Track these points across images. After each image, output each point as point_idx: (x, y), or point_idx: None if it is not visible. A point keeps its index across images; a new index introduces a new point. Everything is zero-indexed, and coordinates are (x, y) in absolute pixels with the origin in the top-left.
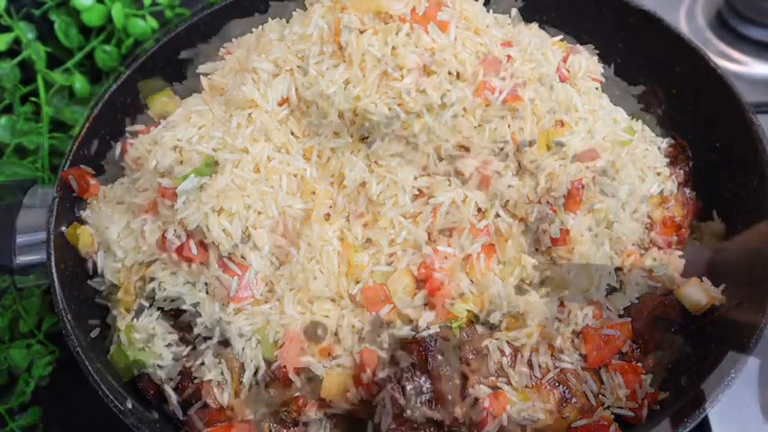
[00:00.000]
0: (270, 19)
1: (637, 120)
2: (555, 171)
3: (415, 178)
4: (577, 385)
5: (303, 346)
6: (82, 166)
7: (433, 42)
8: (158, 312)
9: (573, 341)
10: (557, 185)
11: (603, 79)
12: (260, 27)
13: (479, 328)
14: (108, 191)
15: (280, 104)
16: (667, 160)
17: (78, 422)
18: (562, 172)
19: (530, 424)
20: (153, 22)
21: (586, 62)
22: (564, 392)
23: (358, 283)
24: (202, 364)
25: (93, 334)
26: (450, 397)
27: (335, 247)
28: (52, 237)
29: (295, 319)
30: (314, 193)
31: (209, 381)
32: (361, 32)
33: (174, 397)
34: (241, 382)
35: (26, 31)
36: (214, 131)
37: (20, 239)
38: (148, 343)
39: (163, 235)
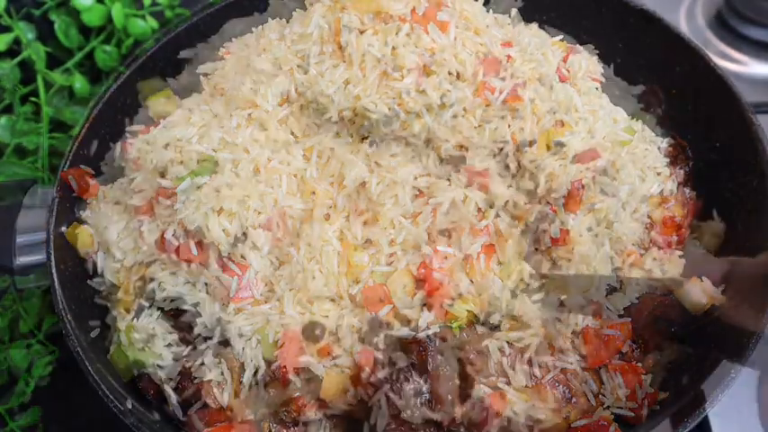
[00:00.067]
0: (269, 18)
1: (637, 120)
2: (555, 171)
3: (415, 178)
4: (577, 385)
5: (302, 345)
6: (82, 166)
7: (433, 42)
8: (158, 312)
9: (573, 341)
10: (557, 185)
11: (603, 79)
12: (260, 27)
13: (479, 329)
14: (108, 191)
15: (280, 104)
16: (667, 160)
17: (78, 422)
18: (562, 172)
19: (529, 424)
20: (153, 22)
21: (586, 62)
22: (564, 392)
23: (358, 283)
24: (202, 364)
25: (93, 334)
26: (449, 397)
27: (335, 247)
28: (52, 237)
29: (295, 319)
30: (314, 193)
31: (210, 381)
32: (361, 32)
33: (173, 397)
34: (241, 382)
35: (26, 31)
36: (214, 131)
37: (20, 240)
38: (148, 343)
39: (162, 235)
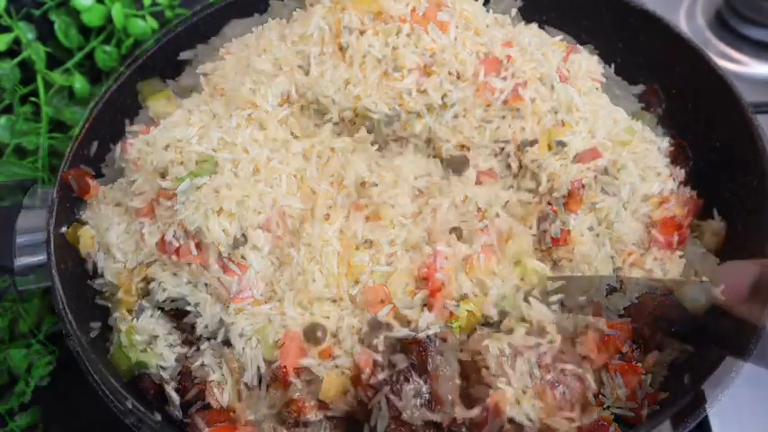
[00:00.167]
0: (270, 19)
1: (637, 120)
2: (556, 171)
3: (415, 178)
4: (577, 385)
5: (303, 347)
6: (82, 166)
7: (433, 42)
8: (159, 313)
9: (573, 341)
10: (558, 185)
11: (603, 79)
12: (260, 27)
13: (479, 329)
14: (108, 191)
15: (280, 104)
16: (667, 160)
17: (78, 422)
18: (563, 171)
19: (529, 424)
20: (153, 23)
21: (586, 62)
22: (564, 392)
23: (358, 283)
24: (203, 364)
25: (93, 334)
26: (449, 398)
27: (335, 248)
28: (52, 237)
29: (295, 319)
30: (314, 192)
31: (211, 381)
32: (362, 33)
33: (175, 397)
34: (242, 383)
35: (26, 31)
36: (213, 132)
37: (20, 240)
38: (149, 344)
39: (162, 237)
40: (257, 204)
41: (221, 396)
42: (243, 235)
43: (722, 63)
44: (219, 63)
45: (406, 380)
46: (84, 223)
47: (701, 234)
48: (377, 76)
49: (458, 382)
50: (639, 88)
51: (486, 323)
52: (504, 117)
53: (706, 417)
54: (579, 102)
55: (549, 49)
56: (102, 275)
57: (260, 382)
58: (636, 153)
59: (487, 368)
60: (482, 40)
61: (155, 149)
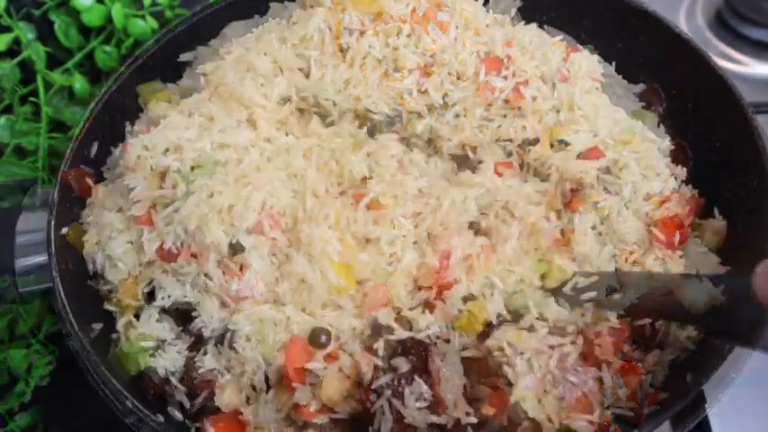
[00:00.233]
0: (270, 19)
1: (638, 119)
2: (558, 169)
3: (416, 178)
4: (596, 387)
5: (308, 350)
6: (82, 166)
7: (433, 43)
8: (160, 314)
9: (573, 341)
10: (568, 176)
11: (603, 79)
12: (260, 27)
13: (480, 329)
14: (108, 191)
15: (280, 104)
16: (668, 159)
17: (78, 422)
18: (565, 170)
19: (549, 425)
20: (153, 23)
21: (587, 62)
22: (564, 392)
23: (358, 283)
24: (211, 368)
25: (94, 334)
26: (451, 399)
27: (335, 248)
28: (53, 237)
29: (296, 321)
30: (314, 193)
31: (212, 382)
32: (362, 34)
33: (176, 398)
34: (249, 386)
35: (26, 31)
36: (213, 131)
37: (20, 240)
38: (150, 344)
39: (161, 245)
40: (258, 205)
41: (229, 399)
42: (237, 242)
43: (722, 63)
44: (220, 63)
45: (408, 383)
46: (84, 223)
47: (701, 233)
48: (377, 76)
49: (461, 382)
50: (640, 87)
51: (501, 322)
52: (505, 116)
53: (706, 417)
54: (580, 100)
55: (549, 48)
56: (106, 281)
57: (267, 385)
58: (637, 152)
59: (509, 365)
60: (482, 40)
61: (153, 153)
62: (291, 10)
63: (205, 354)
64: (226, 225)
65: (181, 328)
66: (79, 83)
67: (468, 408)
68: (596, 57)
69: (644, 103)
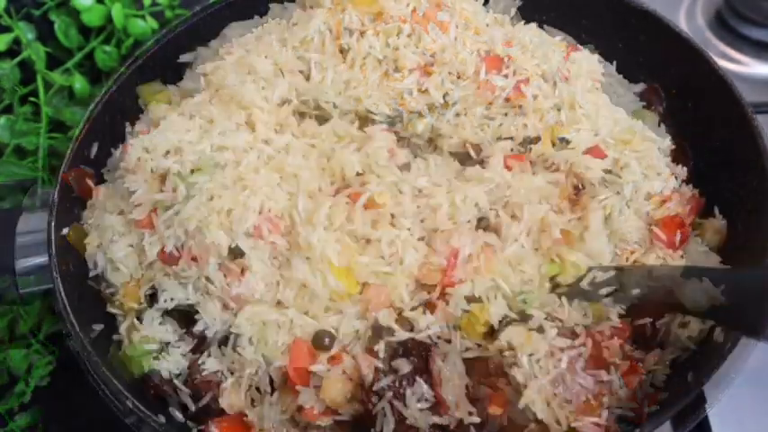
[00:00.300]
0: (270, 19)
1: (638, 118)
2: (568, 161)
3: (416, 177)
4: (604, 390)
5: (312, 353)
6: (82, 166)
7: (434, 42)
8: (163, 316)
9: (582, 343)
10: (570, 176)
11: (603, 79)
12: (260, 27)
13: (481, 329)
14: (109, 192)
15: (280, 105)
16: (668, 159)
17: (78, 422)
18: (576, 163)
19: (558, 428)
20: (153, 23)
21: (587, 61)
22: (572, 395)
23: (358, 284)
24: (209, 367)
25: (94, 334)
26: (453, 399)
27: (335, 249)
28: (53, 238)
29: (298, 323)
30: (309, 194)
31: (216, 384)
32: (362, 34)
33: (179, 400)
34: (249, 386)
35: (26, 31)
36: (213, 132)
37: (21, 241)
38: (154, 347)
39: (162, 248)
40: (257, 206)
41: (233, 401)
42: (237, 245)
43: (722, 63)
44: (220, 64)
45: (410, 384)
46: (84, 224)
47: (702, 232)
48: (377, 77)
49: (463, 382)
50: (640, 87)
51: (508, 322)
52: (506, 114)
53: (706, 417)
54: (582, 99)
55: (549, 48)
56: (108, 283)
57: (271, 387)
58: (638, 152)
59: (518, 366)
60: (482, 39)
61: (153, 155)
62: (291, 11)
63: (209, 356)
64: (225, 228)
65: (184, 331)
66: (79, 83)
67: (471, 408)
68: (596, 56)
69: (644, 103)
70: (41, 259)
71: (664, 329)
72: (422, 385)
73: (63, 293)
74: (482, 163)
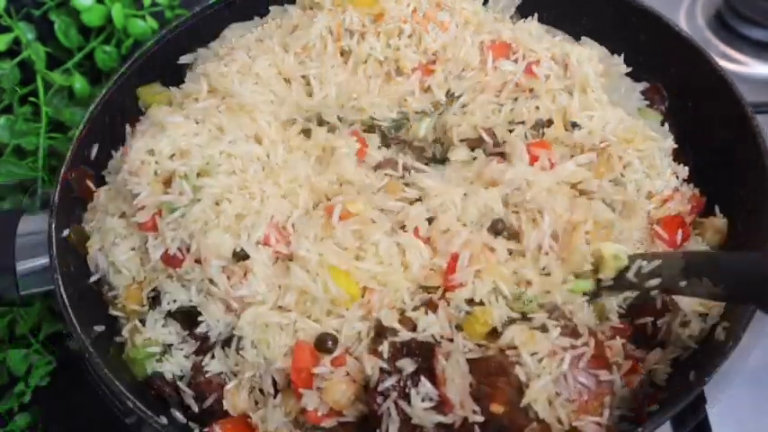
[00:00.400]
0: (270, 20)
1: (641, 117)
2: (591, 131)
3: (406, 185)
4: (588, 387)
5: (315, 355)
6: (83, 166)
7: (434, 42)
8: (166, 318)
9: (585, 342)
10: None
11: (603, 79)
12: (259, 28)
13: (483, 330)
14: (110, 194)
15: (281, 108)
16: (670, 158)
17: (78, 422)
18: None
19: (559, 427)
20: (153, 23)
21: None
22: (574, 394)
23: (360, 286)
24: (213, 369)
25: (95, 335)
26: (457, 398)
27: (336, 251)
28: (54, 240)
29: (301, 326)
30: (315, 196)
31: (220, 385)
32: (363, 35)
33: (183, 401)
34: (252, 388)
35: (26, 32)
36: (224, 140)
37: (21, 242)
38: (157, 349)
39: (166, 251)
40: (259, 209)
41: (237, 403)
42: (242, 249)
43: (722, 63)
44: (224, 71)
45: (414, 384)
46: (85, 225)
47: (703, 231)
48: (380, 78)
49: (466, 381)
50: (643, 85)
51: (511, 321)
52: (516, 99)
53: (706, 417)
54: (594, 83)
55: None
56: (110, 286)
57: (275, 389)
58: (640, 151)
59: (521, 365)
60: (486, 30)
61: (158, 158)
62: (291, 12)
63: (212, 357)
64: (231, 233)
65: (187, 332)
66: (79, 83)
67: (475, 406)
68: (604, 49)
69: (647, 102)
70: (42, 260)
71: (665, 328)
72: (426, 384)
73: (64, 295)
74: (502, 155)
